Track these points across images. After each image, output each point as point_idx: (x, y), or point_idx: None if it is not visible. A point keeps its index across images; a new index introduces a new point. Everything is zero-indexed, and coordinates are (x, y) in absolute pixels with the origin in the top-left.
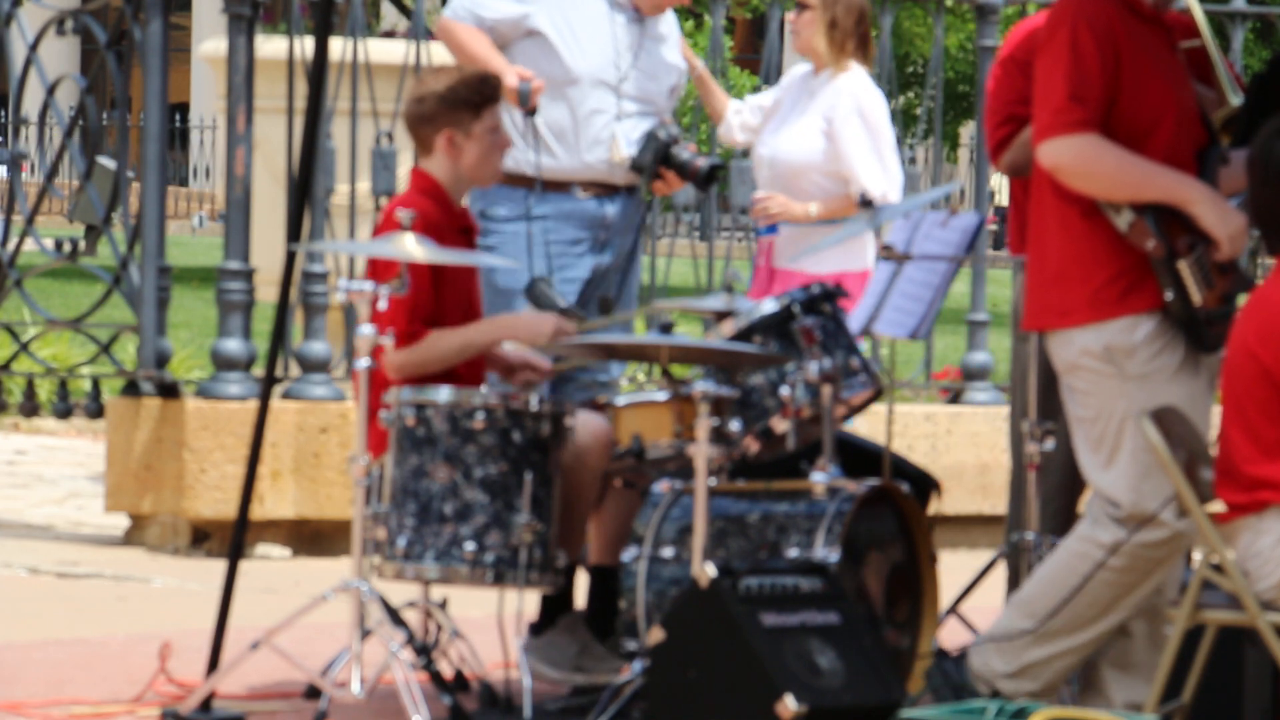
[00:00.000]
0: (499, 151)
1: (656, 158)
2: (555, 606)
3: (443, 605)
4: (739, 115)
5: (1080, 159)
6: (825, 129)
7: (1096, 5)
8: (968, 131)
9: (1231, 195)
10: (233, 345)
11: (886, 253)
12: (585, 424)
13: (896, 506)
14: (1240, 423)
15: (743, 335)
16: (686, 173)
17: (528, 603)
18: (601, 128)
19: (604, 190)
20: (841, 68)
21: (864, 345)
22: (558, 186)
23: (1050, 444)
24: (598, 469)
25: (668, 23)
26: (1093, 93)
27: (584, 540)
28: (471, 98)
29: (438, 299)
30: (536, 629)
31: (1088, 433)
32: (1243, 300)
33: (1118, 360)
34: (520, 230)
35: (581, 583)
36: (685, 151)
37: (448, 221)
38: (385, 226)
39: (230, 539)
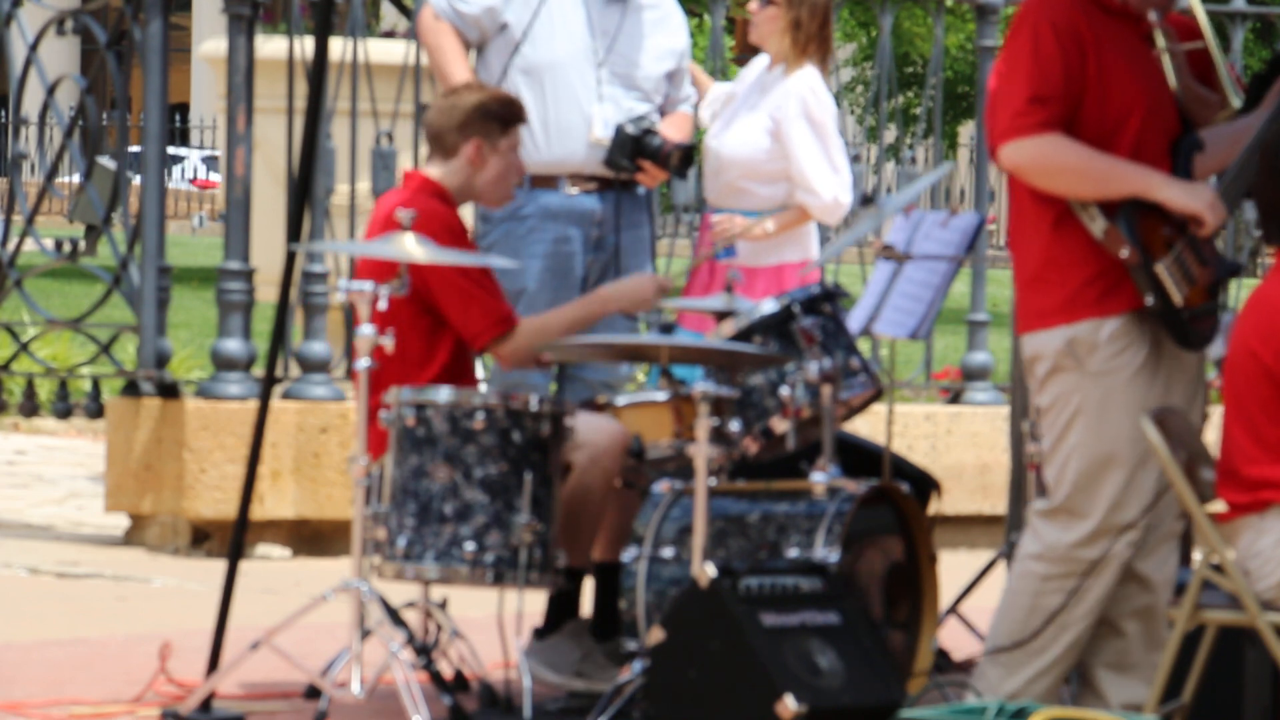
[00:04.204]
0: (515, 174)
1: (627, 152)
2: (561, 611)
3: (443, 605)
4: (712, 103)
5: (1040, 159)
6: (771, 129)
7: (1061, 3)
8: (967, 131)
9: (1207, 176)
10: (233, 345)
11: (886, 253)
12: (599, 427)
13: (896, 506)
14: (1242, 422)
15: (743, 335)
16: (659, 161)
17: (528, 603)
18: (577, 115)
19: (594, 184)
20: (795, 66)
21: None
22: (544, 182)
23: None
24: (612, 471)
25: (658, 6)
26: (1054, 92)
27: (592, 545)
28: (503, 113)
29: (439, 302)
30: (541, 633)
31: (1044, 420)
32: (1232, 296)
33: (1079, 354)
34: (507, 230)
35: (586, 589)
36: (656, 139)
37: (458, 225)
38: (384, 226)
39: (230, 539)
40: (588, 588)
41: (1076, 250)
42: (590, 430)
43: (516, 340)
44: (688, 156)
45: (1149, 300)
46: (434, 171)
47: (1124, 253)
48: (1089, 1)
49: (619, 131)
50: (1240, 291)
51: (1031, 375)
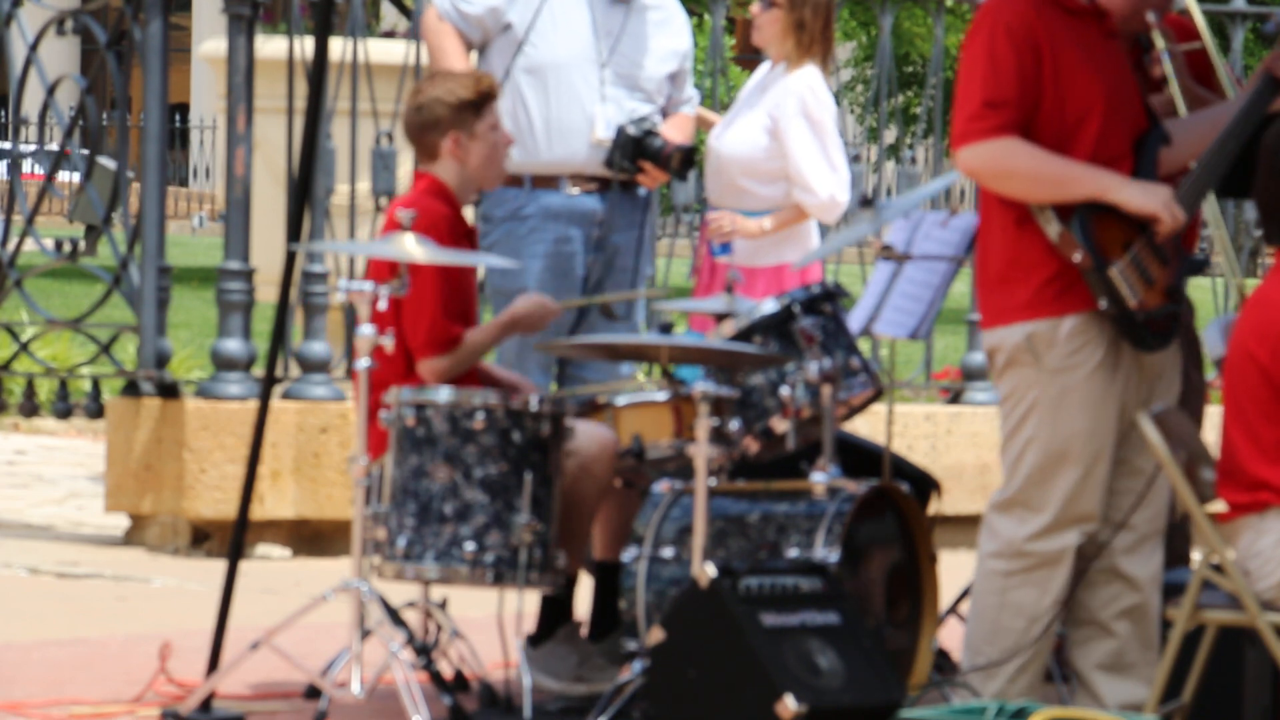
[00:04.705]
0: (503, 148)
1: (628, 153)
2: (554, 617)
3: (443, 605)
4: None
5: (994, 163)
6: (770, 127)
7: (1016, 6)
8: None
9: (1175, 171)
10: (233, 345)
11: (886, 253)
12: (590, 434)
13: (896, 506)
14: (1241, 423)
15: (743, 335)
16: (660, 162)
17: (528, 603)
18: (579, 115)
19: (595, 185)
20: (796, 65)
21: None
22: (545, 182)
23: None
24: (603, 479)
25: (662, 7)
26: (1008, 97)
27: (586, 550)
28: (472, 98)
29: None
30: (535, 640)
31: (1001, 409)
32: (1235, 298)
33: (1038, 350)
34: (508, 230)
35: (581, 594)
36: (657, 140)
37: (460, 225)
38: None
39: (230, 539)
40: (584, 589)
41: (1037, 250)
42: (580, 438)
43: (448, 363)
44: (688, 158)
45: (1102, 304)
46: (434, 171)
47: (1077, 257)
48: (1047, 2)
49: (620, 132)
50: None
51: (991, 365)
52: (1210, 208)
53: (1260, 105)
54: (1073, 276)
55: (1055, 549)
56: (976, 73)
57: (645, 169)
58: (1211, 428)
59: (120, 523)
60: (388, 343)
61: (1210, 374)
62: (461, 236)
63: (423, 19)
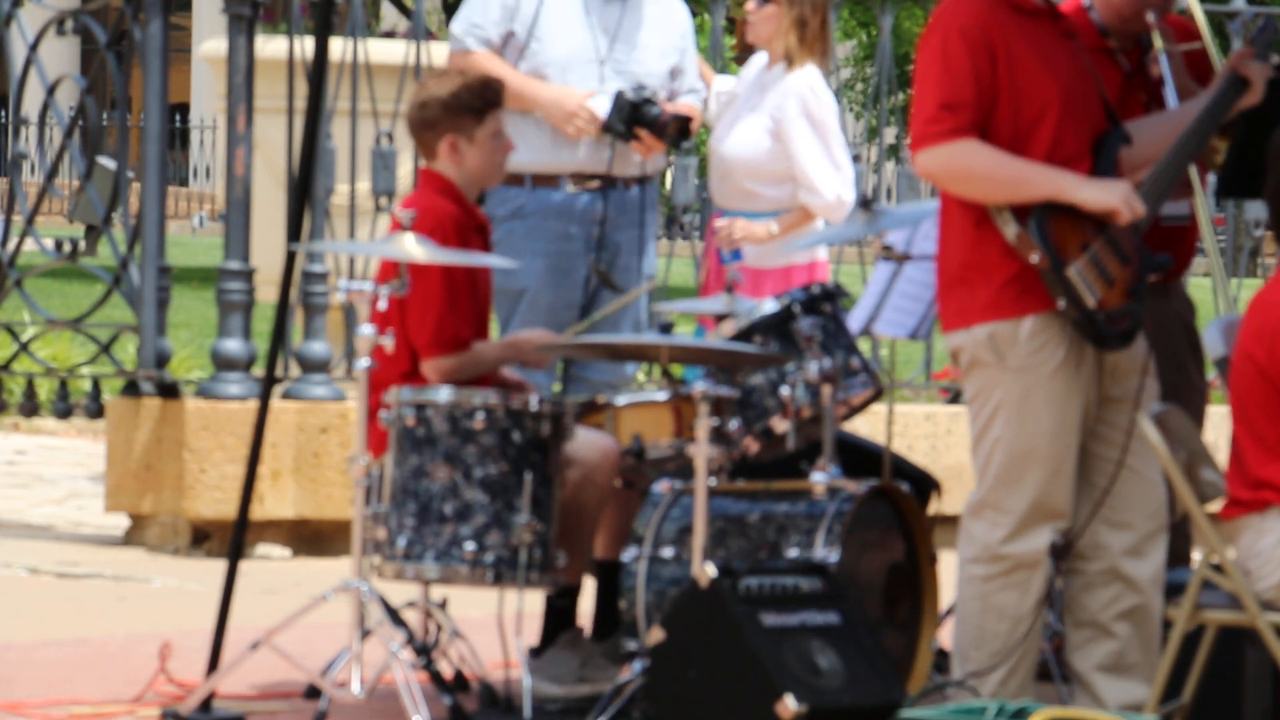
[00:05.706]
0: (502, 155)
1: (625, 117)
2: (556, 628)
3: (443, 605)
4: (718, 97)
5: (952, 166)
6: (772, 129)
7: (970, 8)
8: None
9: (1138, 170)
10: (233, 345)
11: (886, 253)
12: (593, 443)
13: (896, 506)
14: (1244, 423)
15: (743, 335)
16: (656, 129)
17: (528, 603)
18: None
19: (596, 183)
20: (797, 64)
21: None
22: (546, 181)
23: None
24: (605, 489)
25: (660, 3)
26: (964, 99)
27: (588, 559)
28: (474, 103)
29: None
30: (537, 650)
31: (969, 409)
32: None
33: (1000, 349)
34: (509, 229)
35: (582, 603)
36: (655, 108)
37: (468, 221)
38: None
39: (230, 539)
40: (587, 593)
41: (997, 251)
42: (582, 447)
43: (454, 363)
44: (685, 128)
45: (1061, 304)
46: (437, 168)
47: (1034, 257)
48: (1000, 3)
49: (618, 97)
50: (1242, 292)
51: (956, 366)
52: (1201, 209)
53: (1224, 104)
54: (1032, 277)
55: (1030, 550)
56: (931, 75)
57: (641, 136)
58: (1212, 428)
59: (120, 523)
60: (388, 343)
61: (1210, 374)
62: (471, 233)
63: (450, 61)
